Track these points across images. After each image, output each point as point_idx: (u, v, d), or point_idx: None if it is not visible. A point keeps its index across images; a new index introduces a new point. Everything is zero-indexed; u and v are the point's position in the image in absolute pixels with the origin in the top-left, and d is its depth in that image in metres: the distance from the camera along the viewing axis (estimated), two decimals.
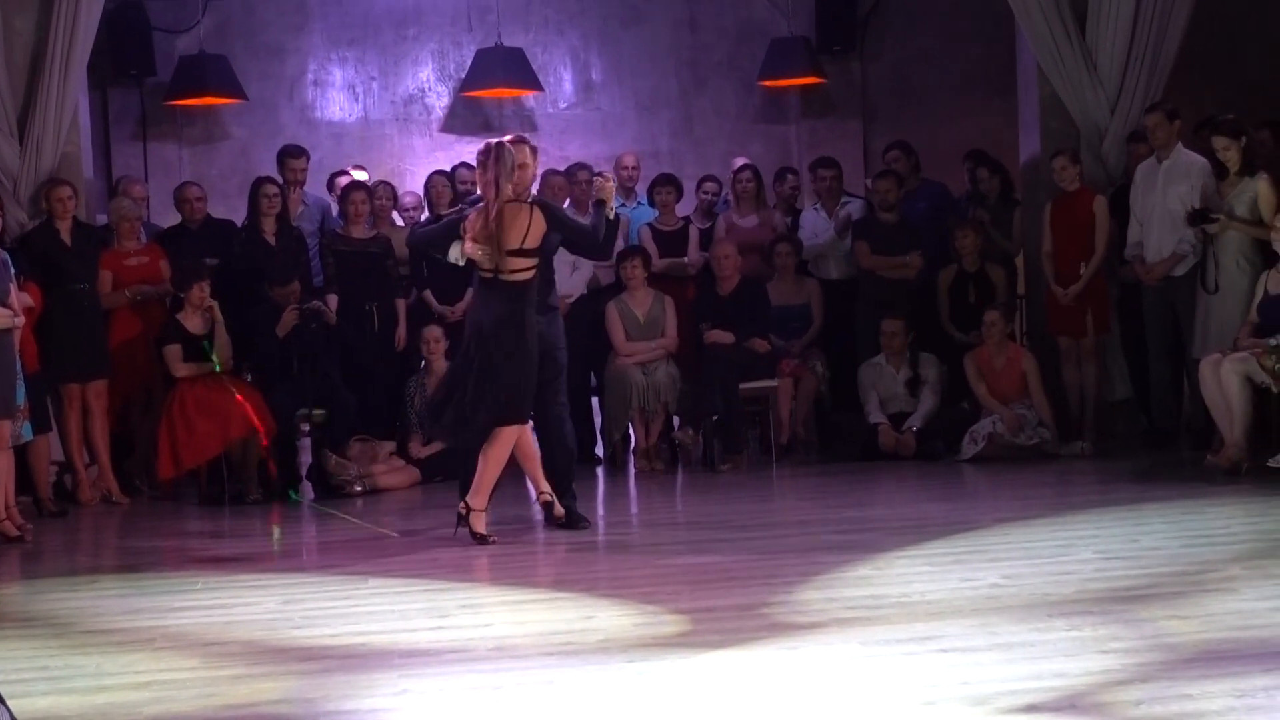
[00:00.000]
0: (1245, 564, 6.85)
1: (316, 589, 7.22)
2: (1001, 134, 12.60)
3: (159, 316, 10.54)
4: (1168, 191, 10.27)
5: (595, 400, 11.48)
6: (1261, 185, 9.88)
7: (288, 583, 7.42)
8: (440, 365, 10.56)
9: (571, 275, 11.04)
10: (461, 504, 8.29)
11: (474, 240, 8.16)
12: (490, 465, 8.23)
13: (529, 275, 8.23)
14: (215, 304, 10.22)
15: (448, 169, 12.17)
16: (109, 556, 8.91)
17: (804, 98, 14.39)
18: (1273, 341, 9.20)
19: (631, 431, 11.15)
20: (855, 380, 11.16)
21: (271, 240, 10.75)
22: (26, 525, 9.04)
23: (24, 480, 9.61)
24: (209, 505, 10.10)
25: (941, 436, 10.86)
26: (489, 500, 8.28)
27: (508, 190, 8.15)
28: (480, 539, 8.15)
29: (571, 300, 10.86)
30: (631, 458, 11.16)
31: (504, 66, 13.68)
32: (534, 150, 8.62)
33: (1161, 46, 11.06)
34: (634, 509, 10.06)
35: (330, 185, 12.38)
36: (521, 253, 8.17)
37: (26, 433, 9.28)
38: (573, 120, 14.45)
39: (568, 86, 14.56)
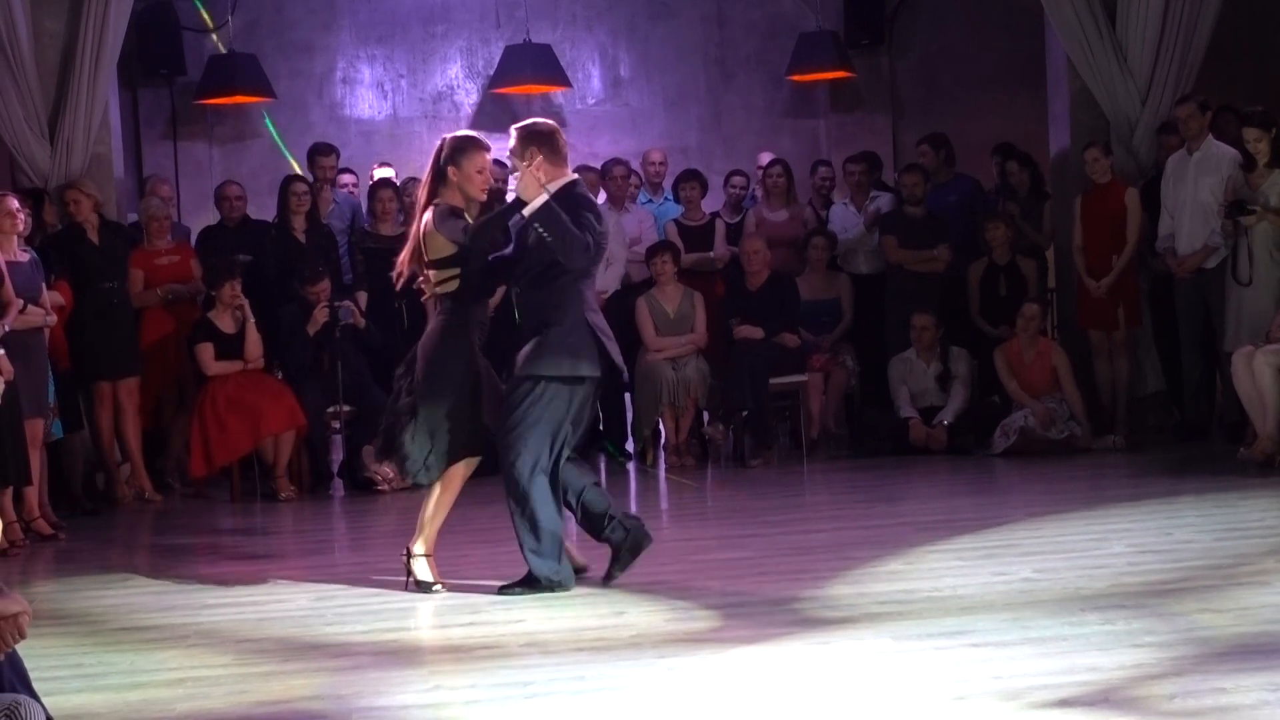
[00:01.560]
0: (1279, 557, 6.81)
1: (349, 586, 7.23)
2: (1031, 127, 12.56)
3: (190, 315, 10.58)
4: (1199, 183, 10.23)
5: (627, 396, 11.47)
6: None
7: (320, 579, 7.44)
8: None
9: (605, 271, 11.06)
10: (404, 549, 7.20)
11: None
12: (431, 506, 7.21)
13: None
14: (246, 302, 10.25)
15: None
16: (142, 554, 8.94)
17: (832, 92, 14.37)
18: None
19: (661, 427, 11.14)
20: (885, 375, 11.13)
21: (301, 238, 10.78)
22: (60, 523, 9.09)
23: (57, 479, 9.66)
24: (241, 502, 10.14)
25: (972, 431, 10.83)
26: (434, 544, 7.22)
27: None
28: (423, 587, 7.02)
29: (606, 296, 10.88)
30: (662, 453, 11.15)
31: (532, 63, 13.69)
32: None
33: (1192, 38, 11.01)
34: (664, 504, 10.06)
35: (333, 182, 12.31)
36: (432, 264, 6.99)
37: (58, 430, 9.33)
38: (601, 116, 14.45)
39: (596, 83, 14.57)
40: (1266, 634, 5.51)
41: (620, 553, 6.89)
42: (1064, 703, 4.80)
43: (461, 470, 7.12)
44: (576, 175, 7.09)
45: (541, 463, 6.76)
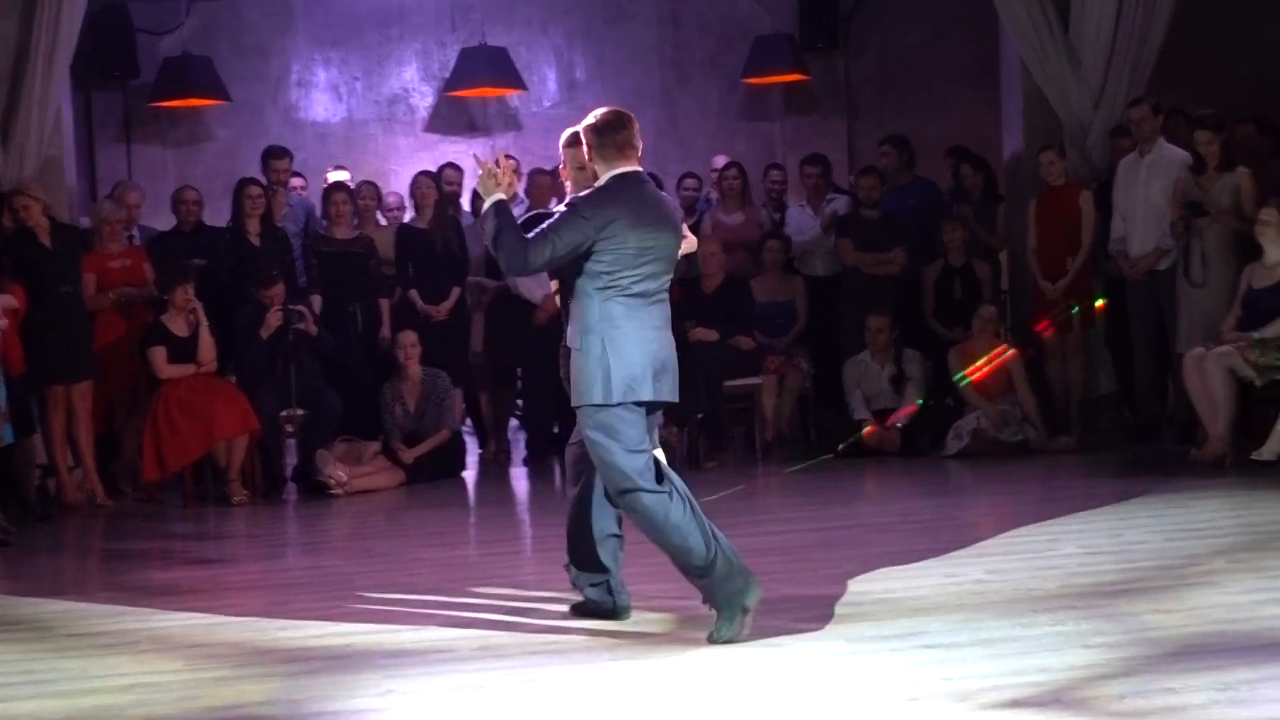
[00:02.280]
0: (1229, 557, 6.86)
1: (302, 591, 7.21)
2: (985, 130, 12.62)
3: (144, 318, 10.52)
4: (1150, 186, 10.30)
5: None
6: (1243, 179, 9.94)
7: (273, 584, 7.41)
8: (415, 370, 10.60)
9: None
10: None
11: None
12: None
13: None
14: (199, 306, 10.21)
15: (433, 169, 12.15)
16: (94, 559, 8.90)
17: (788, 95, 14.40)
18: (1256, 335, 9.21)
19: None
20: (840, 377, 11.15)
21: (255, 241, 10.74)
22: (11, 529, 9.03)
23: (9, 483, 9.59)
24: (194, 506, 10.09)
25: (927, 433, 10.87)
26: None
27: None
28: None
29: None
30: None
31: (488, 66, 13.69)
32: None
33: (1144, 41, 11.09)
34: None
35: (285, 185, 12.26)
36: None
37: (9, 436, 9.27)
38: (557, 119, 14.36)
39: (552, 85, 14.57)
40: (1215, 634, 5.55)
41: (590, 609, 6.28)
42: (1015, 703, 4.82)
43: None
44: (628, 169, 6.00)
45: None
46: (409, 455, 10.54)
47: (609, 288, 5.85)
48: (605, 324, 5.85)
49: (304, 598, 7.02)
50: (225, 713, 5.21)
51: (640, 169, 6.04)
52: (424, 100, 14.43)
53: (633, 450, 5.86)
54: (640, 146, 6.04)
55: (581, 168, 6.19)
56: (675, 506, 5.82)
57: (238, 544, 9.06)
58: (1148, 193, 10.32)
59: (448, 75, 14.06)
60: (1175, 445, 10.22)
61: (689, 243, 6.31)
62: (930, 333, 11.31)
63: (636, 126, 6.04)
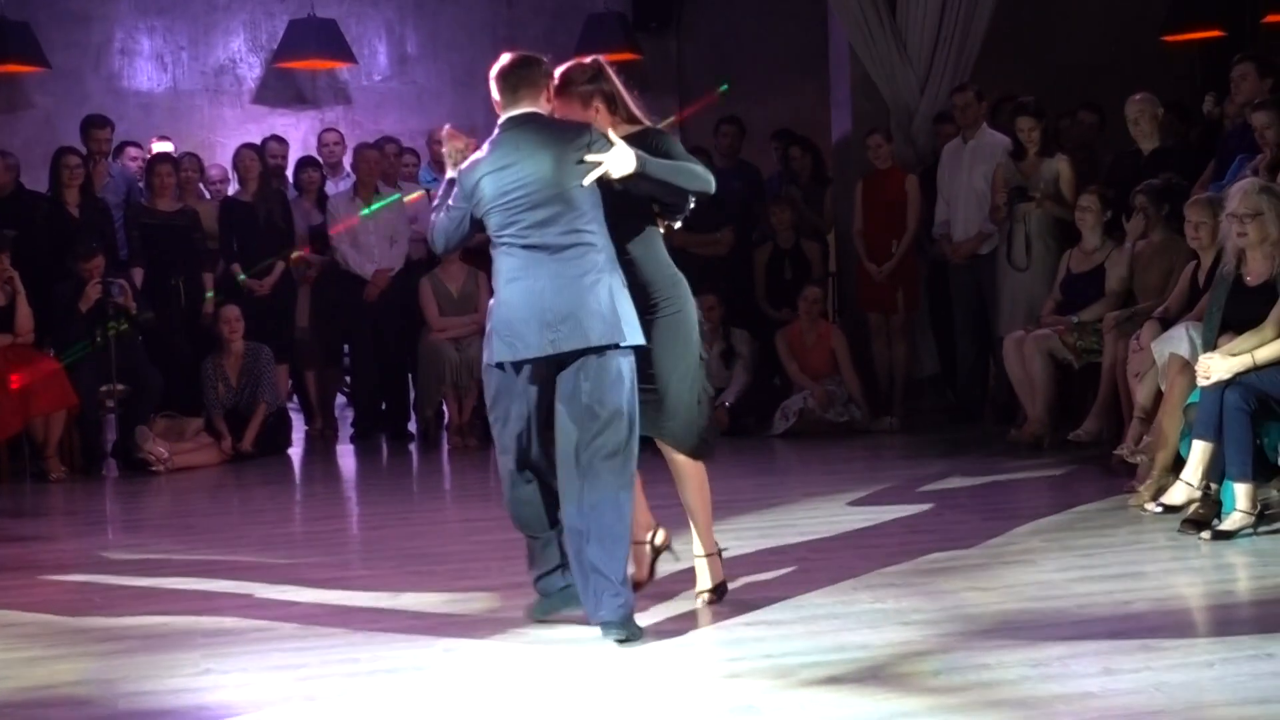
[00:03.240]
0: (1044, 536, 7.00)
1: (119, 569, 7.07)
2: (813, 113, 12.74)
3: None
4: (973, 171, 10.49)
5: (410, 376, 11.39)
6: (1062, 166, 10.12)
7: (90, 562, 7.26)
8: (238, 346, 10.47)
9: (391, 249, 11.07)
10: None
11: None
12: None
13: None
14: (16, 274, 9.96)
15: (258, 142, 11.97)
16: None
17: (619, 74, 14.37)
18: (1075, 319, 9.39)
19: (445, 407, 11.08)
20: None
21: (75, 212, 10.51)
22: None
23: None
24: (9, 482, 9.85)
25: (753, 412, 10.95)
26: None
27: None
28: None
29: (391, 274, 10.92)
30: (445, 434, 11.09)
31: (317, 37, 13.52)
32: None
33: (970, 28, 11.26)
34: (447, 485, 10.01)
35: (118, 155, 12.03)
36: None
37: None
38: (388, 94, 14.32)
39: (382, 59, 14.44)
40: (1029, 611, 5.66)
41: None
42: (834, 680, 4.88)
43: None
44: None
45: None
46: (247, 443, 10.39)
47: (499, 244, 5.56)
48: (498, 280, 5.60)
49: (121, 576, 6.89)
50: (36, 694, 5.09)
51: (534, 109, 5.65)
52: (252, 71, 14.22)
53: (492, 412, 5.77)
54: (543, 86, 5.69)
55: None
56: (517, 484, 5.69)
57: (54, 521, 8.85)
58: (971, 177, 10.50)
59: (276, 46, 13.86)
60: (995, 426, 10.40)
61: (613, 158, 5.47)
62: (759, 313, 11.39)
63: (541, 67, 5.72)
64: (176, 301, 10.78)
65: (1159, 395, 7.74)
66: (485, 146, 5.68)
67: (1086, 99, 11.19)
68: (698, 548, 6.02)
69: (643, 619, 5.61)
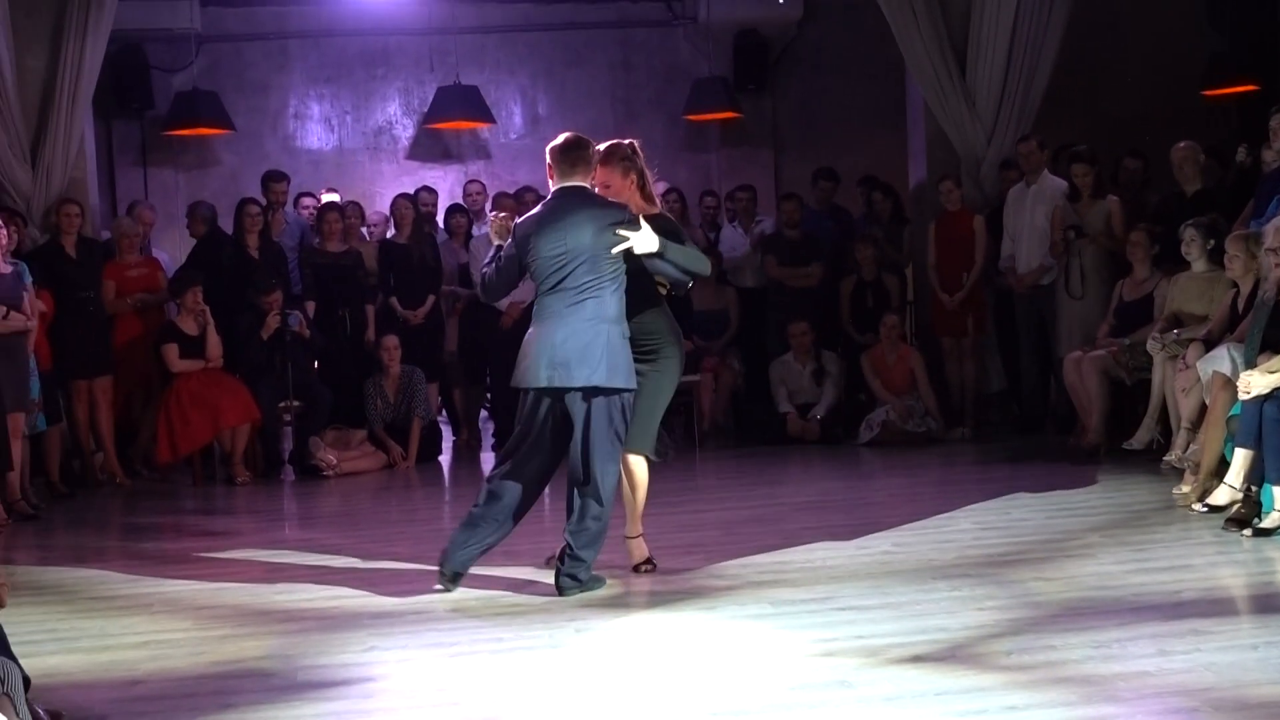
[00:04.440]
0: (1102, 533, 6.90)
1: (296, 559, 7.16)
2: (892, 162, 12.64)
3: (158, 320, 10.46)
4: (1035, 211, 10.37)
5: None
6: (1113, 206, 10.03)
7: (271, 554, 7.36)
8: (395, 370, 10.56)
9: (523, 284, 11.06)
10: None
11: None
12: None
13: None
14: (207, 308, 10.13)
15: (411, 192, 12.11)
16: (112, 532, 8.80)
17: (723, 130, 14.40)
18: (1126, 341, 9.27)
19: None
20: (767, 375, 11.16)
21: (255, 254, 10.67)
22: (40, 505, 8.95)
23: (38, 466, 9.50)
24: (202, 486, 10.01)
25: (841, 424, 10.89)
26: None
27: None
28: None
29: (524, 305, 10.95)
30: None
31: (462, 102, 13.61)
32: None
33: (1031, 86, 11.13)
34: None
35: (295, 204, 12.22)
36: None
37: (41, 423, 9.20)
38: (522, 149, 14.39)
39: (518, 119, 14.52)
40: (1089, 598, 5.59)
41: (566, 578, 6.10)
42: (917, 658, 4.84)
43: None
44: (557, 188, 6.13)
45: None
46: (408, 456, 10.46)
47: (538, 290, 6.08)
48: (534, 318, 6.08)
49: (298, 566, 6.98)
50: (228, 666, 5.18)
51: (584, 184, 6.09)
52: (405, 131, 14.36)
53: (516, 429, 6.16)
54: (591, 162, 6.13)
55: (607, 185, 6.24)
56: (508, 478, 6.12)
57: (240, 519, 8.98)
58: (1033, 217, 10.39)
59: (426, 109, 14.00)
60: (1056, 436, 10.27)
61: (640, 238, 5.93)
62: (845, 337, 11.34)
63: (591, 148, 6.16)
64: (343, 330, 10.91)
65: (1203, 408, 7.62)
66: (539, 207, 6.14)
67: (1134, 147, 11.05)
68: (630, 530, 6.45)
69: (747, 605, 5.60)
